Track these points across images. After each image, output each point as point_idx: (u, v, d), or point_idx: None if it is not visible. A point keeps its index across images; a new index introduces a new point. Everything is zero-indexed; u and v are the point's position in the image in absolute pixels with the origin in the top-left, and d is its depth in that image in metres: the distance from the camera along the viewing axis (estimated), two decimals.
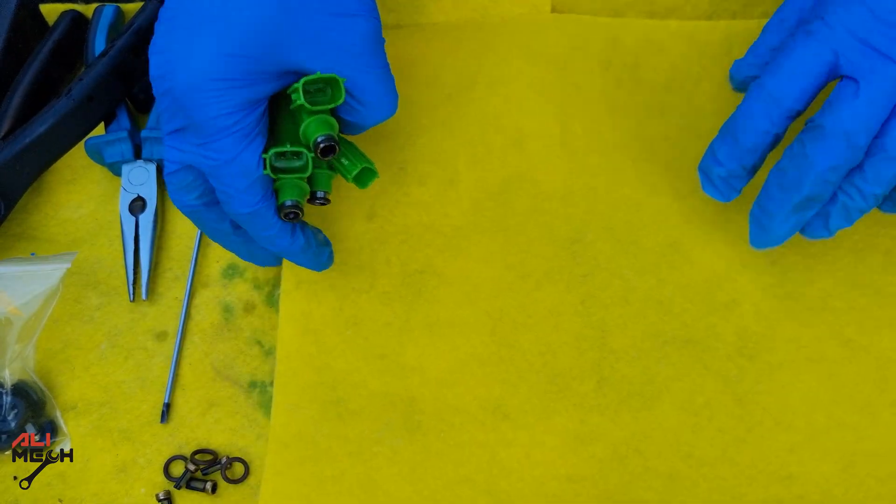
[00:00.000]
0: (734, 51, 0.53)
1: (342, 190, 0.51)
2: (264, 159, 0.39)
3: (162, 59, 0.38)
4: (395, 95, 0.43)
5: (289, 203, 0.41)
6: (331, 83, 0.40)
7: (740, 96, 0.52)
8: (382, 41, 0.42)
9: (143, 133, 0.51)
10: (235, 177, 0.38)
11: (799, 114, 0.39)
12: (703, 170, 0.43)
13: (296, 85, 0.38)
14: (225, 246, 0.45)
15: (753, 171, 0.42)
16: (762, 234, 0.42)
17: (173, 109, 0.38)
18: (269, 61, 0.38)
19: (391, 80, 0.43)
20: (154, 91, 0.39)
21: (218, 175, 0.39)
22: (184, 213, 0.42)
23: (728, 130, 0.41)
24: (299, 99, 0.38)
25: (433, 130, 0.52)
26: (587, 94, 0.53)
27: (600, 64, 0.54)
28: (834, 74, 0.38)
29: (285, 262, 0.49)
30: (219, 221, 0.43)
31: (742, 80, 0.45)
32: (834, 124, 0.37)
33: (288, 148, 0.39)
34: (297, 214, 0.41)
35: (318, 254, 0.44)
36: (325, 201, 0.43)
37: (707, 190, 0.43)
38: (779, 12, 0.43)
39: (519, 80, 0.53)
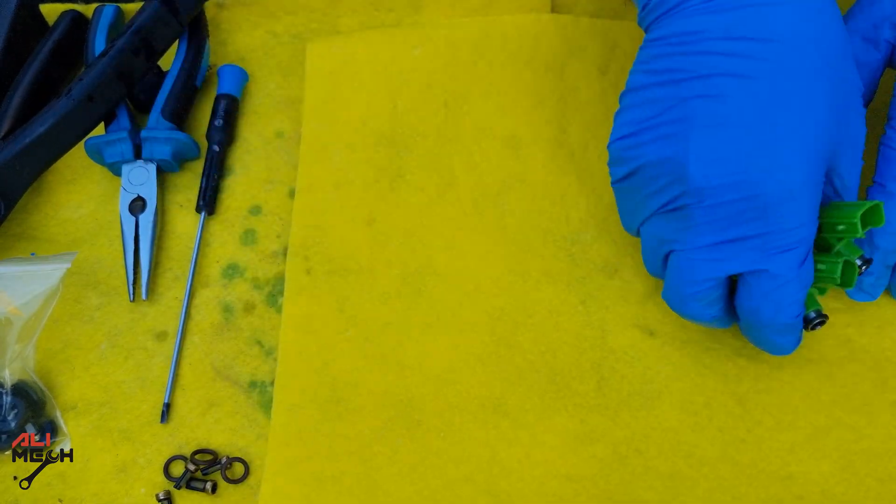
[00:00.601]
0: None
1: (341, 198, 0.51)
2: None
3: (736, 168, 0.36)
4: None
5: (813, 314, 0.41)
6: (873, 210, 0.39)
7: None
8: None
9: (143, 133, 0.51)
10: (800, 288, 0.38)
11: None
12: None
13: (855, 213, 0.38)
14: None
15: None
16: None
17: (745, 219, 0.37)
18: (825, 169, 0.37)
19: None
20: (709, 199, 0.37)
21: (784, 284, 0.37)
22: (698, 320, 0.41)
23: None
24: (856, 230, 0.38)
25: (430, 137, 0.52)
26: (585, 97, 0.53)
27: (598, 68, 0.54)
28: None
29: (287, 263, 0.49)
30: (720, 322, 0.42)
31: None
32: None
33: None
34: (822, 323, 0.41)
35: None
36: (822, 321, 0.41)
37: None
38: None
39: (516, 84, 0.53)
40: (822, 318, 0.40)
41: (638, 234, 0.43)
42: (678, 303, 0.41)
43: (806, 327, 0.41)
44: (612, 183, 0.42)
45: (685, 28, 0.37)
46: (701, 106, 0.37)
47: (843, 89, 0.37)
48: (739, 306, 0.40)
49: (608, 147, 0.41)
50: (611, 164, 0.42)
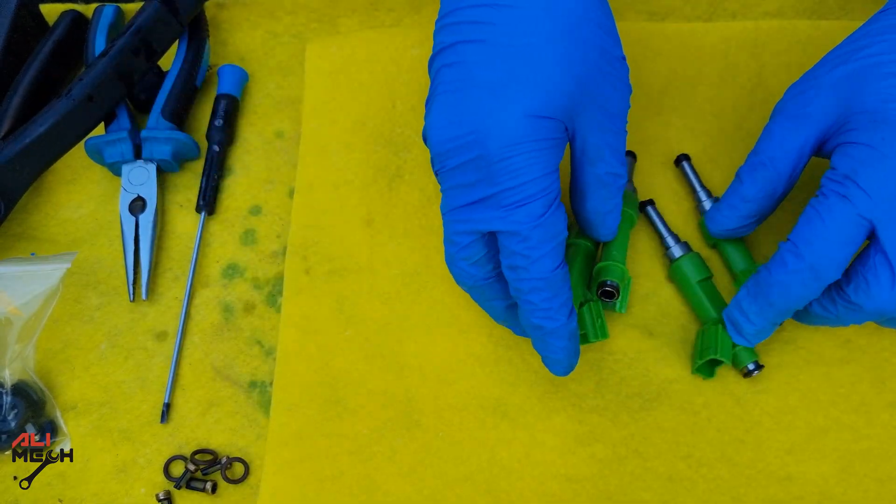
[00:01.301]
0: (731, 53, 0.53)
1: (340, 198, 0.51)
2: None
3: (462, 130, 0.37)
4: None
5: (609, 282, 0.43)
6: None
7: (740, 99, 0.52)
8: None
9: (143, 133, 0.51)
10: (542, 241, 0.37)
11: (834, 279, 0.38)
12: (731, 321, 0.43)
13: None
14: (496, 320, 0.44)
15: (780, 323, 0.43)
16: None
17: (476, 178, 0.37)
18: (563, 127, 0.38)
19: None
20: (448, 163, 0.38)
21: (525, 239, 0.37)
22: (465, 287, 0.42)
23: (760, 292, 0.41)
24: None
25: None
26: None
27: None
28: (865, 237, 0.38)
29: (287, 263, 0.49)
30: (497, 299, 0.42)
31: (723, 232, 0.45)
32: (872, 307, 0.38)
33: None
34: (612, 294, 0.43)
35: (576, 352, 0.42)
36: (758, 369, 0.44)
37: (734, 338, 0.43)
38: (751, 157, 0.43)
39: None
40: (759, 367, 0.43)
41: None
42: (449, 263, 0.41)
43: (597, 292, 0.44)
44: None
45: (446, 2, 0.39)
46: (444, 74, 0.38)
47: (588, 56, 0.37)
48: (503, 269, 0.40)
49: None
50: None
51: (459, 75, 0.37)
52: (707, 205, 0.48)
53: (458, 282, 0.42)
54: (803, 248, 0.38)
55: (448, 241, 0.40)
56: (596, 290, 0.44)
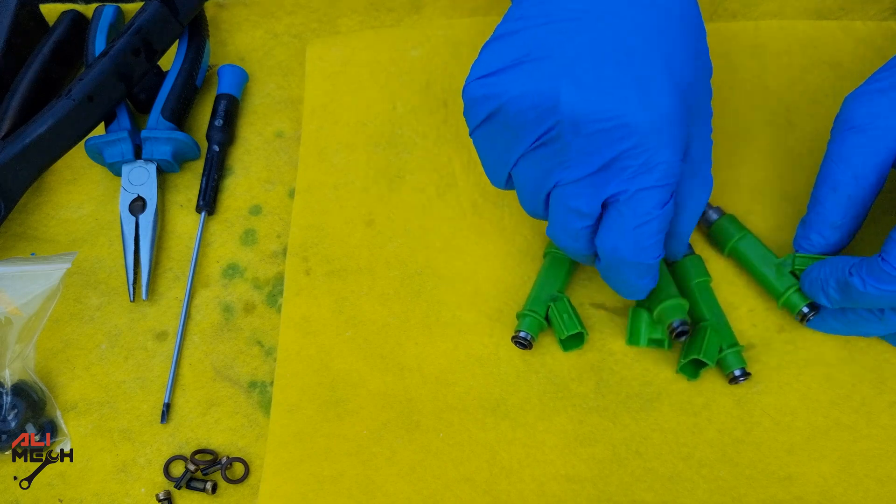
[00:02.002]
0: (732, 53, 0.53)
1: (341, 199, 0.51)
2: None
3: (611, 95, 0.36)
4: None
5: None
6: None
7: (741, 100, 0.52)
8: None
9: (144, 133, 0.51)
10: (656, 227, 0.37)
11: None
12: (811, 291, 0.43)
13: None
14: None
15: None
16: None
17: (615, 144, 0.36)
18: (686, 115, 0.37)
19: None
20: (587, 127, 0.36)
21: (640, 221, 0.37)
22: (565, 246, 0.41)
23: (849, 295, 0.41)
24: None
25: (430, 137, 0.52)
26: None
27: None
28: None
29: (287, 263, 0.49)
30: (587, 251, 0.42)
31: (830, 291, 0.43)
32: None
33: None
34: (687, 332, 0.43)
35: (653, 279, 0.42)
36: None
37: (813, 296, 0.44)
38: (828, 180, 0.42)
39: None
40: (745, 376, 0.44)
41: (509, 183, 0.42)
42: (566, 238, 0.40)
43: (671, 336, 0.43)
44: (472, 130, 0.40)
45: None
46: (567, 40, 0.37)
47: (698, 60, 0.38)
48: (603, 243, 0.39)
49: (465, 88, 0.39)
50: (469, 107, 0.39)
51: (589, 42, 0.36)
52: (712, 215, 0.47)
53: (571, 253, 0.41)
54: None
55: (569, 214, 0.39)
56: (669, 333, 0.43)
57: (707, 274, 0.46)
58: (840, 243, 0.43)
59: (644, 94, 0.35)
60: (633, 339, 0.45)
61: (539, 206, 0.41)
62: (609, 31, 0.36)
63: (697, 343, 0.43)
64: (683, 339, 0.42)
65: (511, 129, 0.38)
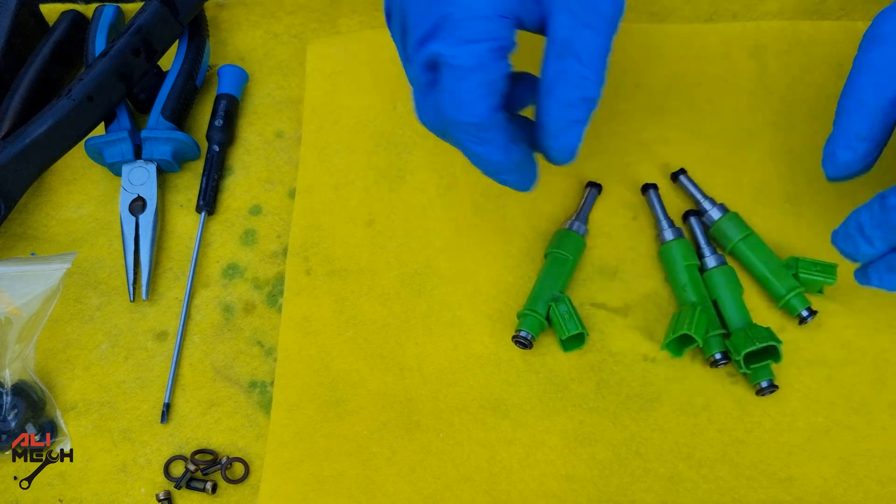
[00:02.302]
0: (732, 54, 0.53)
1: (341, 199, 0.51)
2: None
3: None
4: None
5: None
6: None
7: (741, 100, 0.52)
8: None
9: (144, 133, 0.51)
10: (473, 84, 0.36)
11: None
12: (846, 242, 0.40)
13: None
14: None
15: None
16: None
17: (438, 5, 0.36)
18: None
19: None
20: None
21: (456, 77, 0.36)
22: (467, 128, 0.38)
23: (888, 219, 0.38)
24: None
25: (430, 138, 0.52)
26: None
27: None
28: None
29: (287, 263, 0.49)
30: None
31: (846, 175, 0.42)
32: None
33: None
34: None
35: (529, 176, 0.41)
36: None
37: (848, 257, 0.41)
38: (855, 89, 0.40)
39: None
40: (726, 360, 0.44)
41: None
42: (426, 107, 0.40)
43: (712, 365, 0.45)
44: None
45: None
46: None
47: None
48: (434, 104, 0.38)
49: None
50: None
51: None
52: (714, 213, 0.47)
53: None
54: None
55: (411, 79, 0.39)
56: (744, 360, 0.43)
57: (695, 258, 0.47)
58: (869, 156, 0.41)
59: None
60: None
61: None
62: None
63: (686, 319, 0.43)
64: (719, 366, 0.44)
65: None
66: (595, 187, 0.49)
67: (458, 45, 0.36)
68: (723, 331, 0.44)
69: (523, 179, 0.41)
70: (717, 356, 0.44)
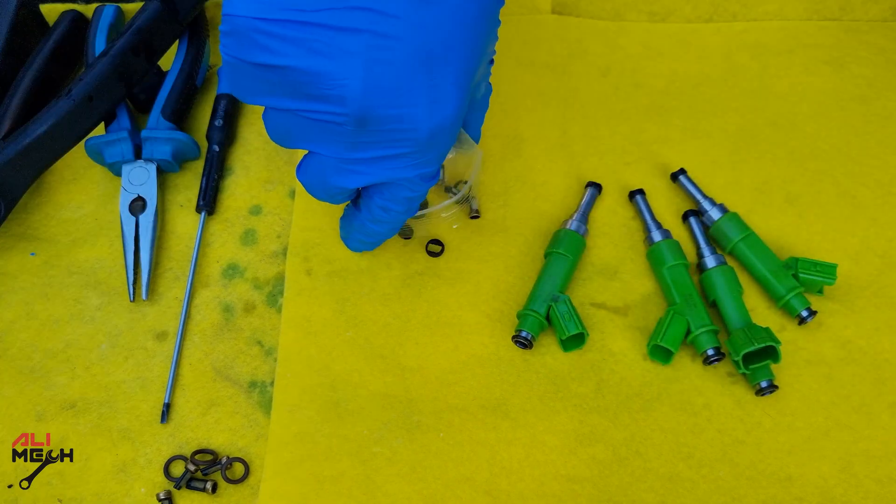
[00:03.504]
0: (732, 54, 0.53)
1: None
2: None
3: (403, 100, 0.36)
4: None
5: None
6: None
7: (741, 100, 0.52)
8: None
9: (144, 133, 0.51)
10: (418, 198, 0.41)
11: None
12: None
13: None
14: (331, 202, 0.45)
15: None
16: None
17: (397, 144, 0.38)
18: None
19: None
20: (372, 125, 0.37)
21: (414, 196, 0.41)
22: (322, 198, 0.43)
23: None
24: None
25: None
26: (586, 97, 0.53)
27: (599, 69, 0.54)
28: None
29: (288, 263, 0.49)
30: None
31: None
32: None
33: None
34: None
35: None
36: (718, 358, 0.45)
37: None
38: None
39: (517, 85, 0.53)
40: (718, 356, 0.44)
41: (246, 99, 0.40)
42: (319, 194, 0.43)
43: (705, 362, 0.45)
44: (230, 53, 0.37)
45: None
46: (366, 39, 0.35)
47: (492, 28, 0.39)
48: (371, 203, 0.42)
49: (226, 14, 0.36)
50: (232, 34, 0.36)
51: (387, 43, 0.36)
52: (714, 213, 0.48)
53: (320, 197, 0.43)
54: None
55: (326, 182, 0.41)
56: (743, 360, 0.43)
57: (683, 258, 0.47)
58: None
59: (433, 103, 0.37)
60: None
61: (283, 142, 0.41)
62: (418, 36, 0.36)
63: (661, 327, 0.44)
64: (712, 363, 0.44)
65: (284, 87, 0.37)
66: (595, 187, 0.49)
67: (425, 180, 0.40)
68: (714, 327, 0.44)
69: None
70: (710, 352, 0.44)
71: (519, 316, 0.46)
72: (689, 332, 0.44)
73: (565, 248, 0.47)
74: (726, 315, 0.45)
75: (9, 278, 0.49)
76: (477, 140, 0.47)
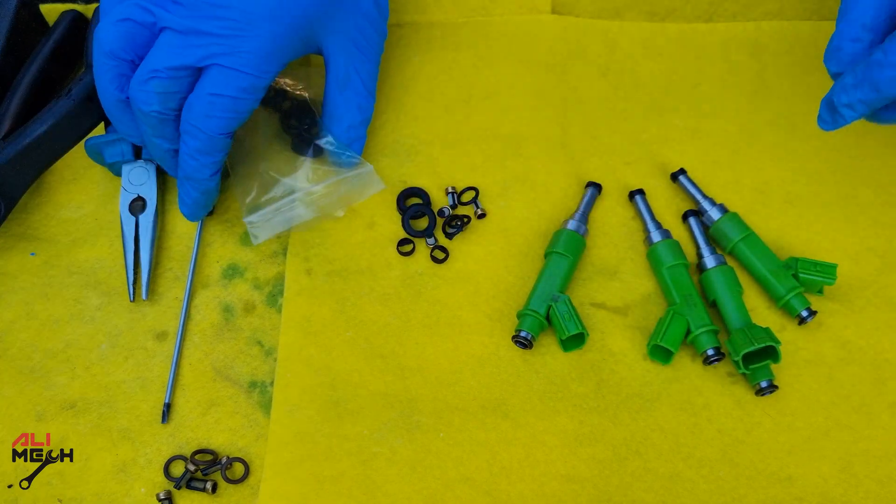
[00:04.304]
0: (732, 54, 0.53)
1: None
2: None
3: None
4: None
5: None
6: None
7: (741, 100, 0.52)
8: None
9: None
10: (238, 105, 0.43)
11: None
12: (831, 107, 0.40)
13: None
14: (153, 157, 0.47)
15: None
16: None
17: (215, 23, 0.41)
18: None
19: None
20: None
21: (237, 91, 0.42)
22: (140, 112, 0.43)
23: (868, 78, 0.37)
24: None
25: (433, 144, 0.52)
26: (585, 97, 0.53)
27: (598, 68, 0.54)
28: None
29: (288, 263, 0.49)
30: (164, 139, 0.45)
31: (849, 67, 0.40)
32: None
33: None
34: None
35: (205, 206, 0.48)
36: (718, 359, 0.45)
37: (823, 126, 0.41)
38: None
39: (517, 85, 0.53)
40: (718, 356, 0.44)
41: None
42: (139, 84, 0.42)
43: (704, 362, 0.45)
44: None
45: None
46: None
47: None
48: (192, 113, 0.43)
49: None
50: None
51: None
52: (714, 213, 0.47)
53: (135, 104, 0.43)
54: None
55: (153, 66, 0.41)
56: (743, 360, 0.43)
57: (683, 258, 0.47)
58: (873, 45, 0.39)
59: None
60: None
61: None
62: None
63: (660, 327, 0.44)
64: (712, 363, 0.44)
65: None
66: (595, 187, 0.49)
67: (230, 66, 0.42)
68: (714, 327, 0.44)
69: (202, 206, 0.48)
70: (710, 352, 0.44)
71: (519, 316, 0.46)
72: (689, 332, 0.44)
73: (565, 248, 0.47)
74: (726, 315, 0.45)
75: (9, 278, 0.49)
76: (359, 151, 0.49)
